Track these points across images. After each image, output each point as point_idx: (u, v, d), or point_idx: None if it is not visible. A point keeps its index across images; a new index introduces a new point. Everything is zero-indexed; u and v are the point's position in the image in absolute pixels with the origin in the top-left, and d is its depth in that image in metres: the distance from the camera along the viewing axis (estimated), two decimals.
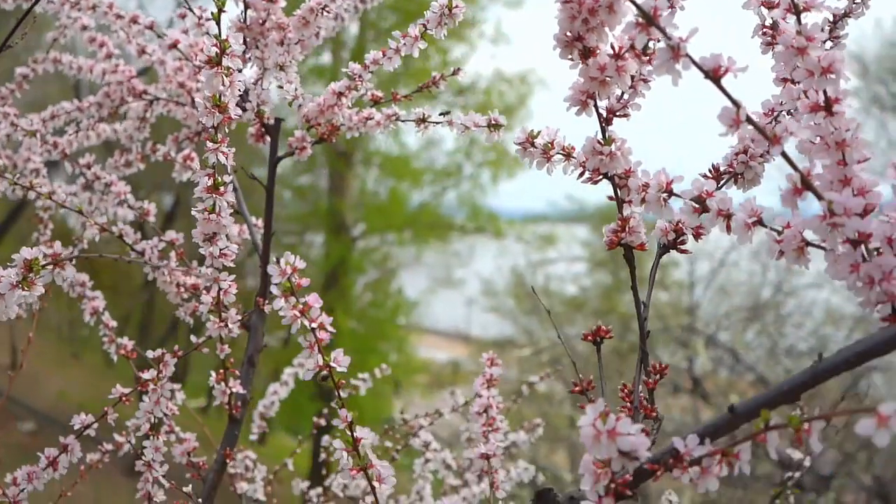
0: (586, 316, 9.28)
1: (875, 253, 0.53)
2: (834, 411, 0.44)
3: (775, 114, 0.70)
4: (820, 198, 0.51)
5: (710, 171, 0.70)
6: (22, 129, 1.12)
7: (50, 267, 0.67)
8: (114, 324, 1.10)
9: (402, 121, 0.97)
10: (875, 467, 6.04)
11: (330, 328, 0.63)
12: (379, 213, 11.46)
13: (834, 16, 0.74)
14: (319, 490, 1.36)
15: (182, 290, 1.03)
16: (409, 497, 1.31)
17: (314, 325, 0.63)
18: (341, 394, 0.65)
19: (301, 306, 0.62)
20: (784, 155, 0.52)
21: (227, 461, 1.00)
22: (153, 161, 1.26)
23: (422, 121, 0.95)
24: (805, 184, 0.51)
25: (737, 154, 0.69)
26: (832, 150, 0.54)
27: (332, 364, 0.64)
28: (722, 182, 0.70)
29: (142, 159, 1.21)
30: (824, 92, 0.54)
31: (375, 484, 0.65)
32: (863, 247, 0.53)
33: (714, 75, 0.51)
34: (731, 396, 6.08)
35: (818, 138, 0.55)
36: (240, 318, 0.92)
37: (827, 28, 0.74)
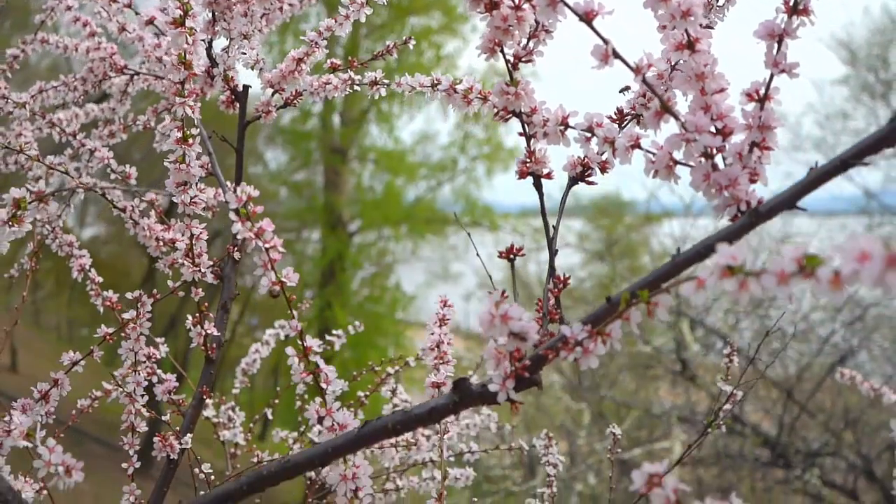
0: (581, 306, 9.37)
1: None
2: (673, 281, 0.54)
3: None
4: (676, 118, 0.61)
5: (615, 112, 0.80)
6: (12, 101, 1.22)
7: (35, 203, 0.77)
8: (100, 279, 1.20)
9: (358, 84, 1.07)
10: (862, 446, 6.16)
11: (281, 249, 0.73)
12: (375, 209, 11.56)
13: None
14: (296, 434, 1.46)
15: (161, 244, 1.13)
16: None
17: (268, 245, 0.73)
18: (293, 311, 0.75)
19: (256, 229, 0.72)
20: (645, 82, 0.62)
21: (205, 398, 1.10)
22: (151, 161, 1.36)
23: (374, 83, 1.05)
24: (664, 108, 0.61)
25: (638, 97, 0.79)
26: (694, 81, 0.63)
27: (284, 279, 0.74)
28: (626, 122, 0.79)
29: (124, 129, 1.31)
30: (686, 32, 0.64)
31: (323, 385, 0.75)
32: (721, 161, 0.64)
33: (587, 18, 0.61)
34: (717, 376, 6.19)
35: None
36: (212, 263, 1.02)
37: None
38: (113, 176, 1.19)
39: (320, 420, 0.74)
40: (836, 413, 6.31)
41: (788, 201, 0.57)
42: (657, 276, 0.61)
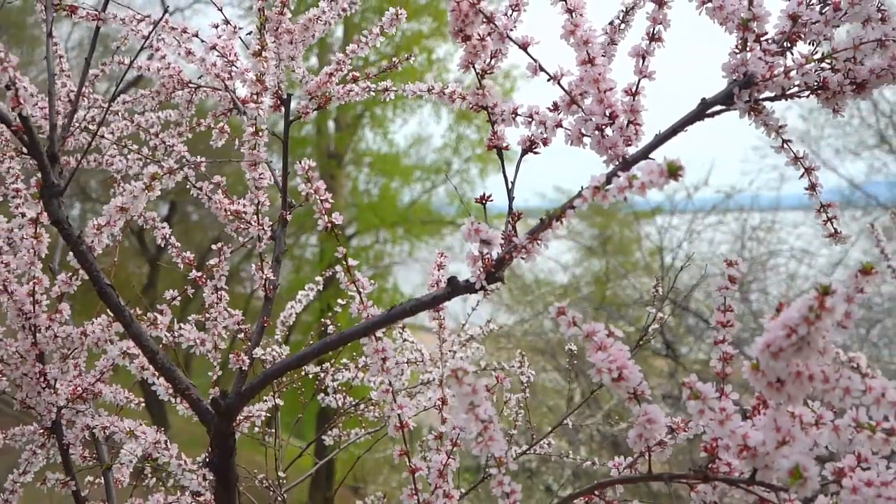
0: (578, 302, 9.71)
1: None
2: (574, 203, 0.92)
3: None
4: (579, 106, 1.00)
5: (552, 104, 1.18)
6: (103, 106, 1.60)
7: (167, 175, 1.15)
8: (178, 244, 1.58)
9: (374, 91, 1.46)
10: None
11: (331, 200, 1.11)
12: (371, 212, 11.93)
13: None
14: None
15: (227, 213, 1.51)
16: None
17: (322, 198, 1.11)
18: (339, 238, 1.13)
19: (314, 187, 1.10)
20: (559, 85, 1.00)
21: (265, 326, 1.48)
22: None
23: (386, 90, 1.43)
24: (572, 100, 1.00)
25: (563, 96, 1.17)
26: (592, 84, 1.02)
27: (334, 220, 1.12)
28: (558, 111, 1.17)
29: (190, 130, 1.69)
30: (587, 52, 1.02)
31: (361, 289, 1.13)
32: (611, 132, 1.02)
33: (523, 46, 0.99)
34: (700, 355, 6.59)
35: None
36: (272, 223, 1.40)
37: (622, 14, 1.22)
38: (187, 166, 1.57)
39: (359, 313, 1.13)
40: None
41: (643, 155, 0.96)
42: (568, 203, 0.99)
